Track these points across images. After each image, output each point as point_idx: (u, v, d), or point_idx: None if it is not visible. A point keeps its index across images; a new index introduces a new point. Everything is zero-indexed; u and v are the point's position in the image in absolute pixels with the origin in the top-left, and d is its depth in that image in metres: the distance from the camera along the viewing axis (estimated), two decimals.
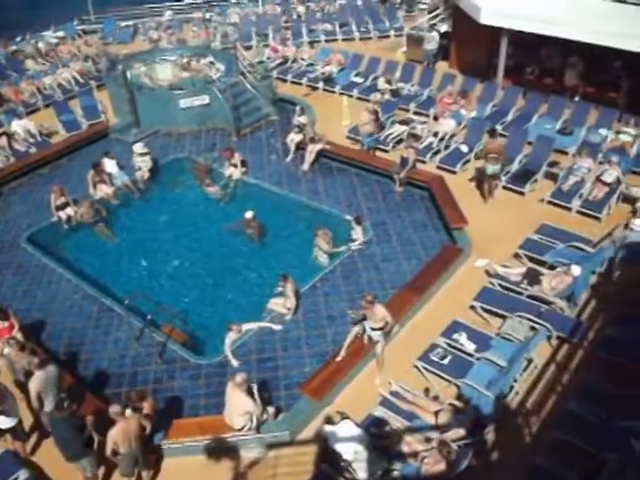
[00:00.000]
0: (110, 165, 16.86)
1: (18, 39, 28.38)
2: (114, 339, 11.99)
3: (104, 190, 16.27)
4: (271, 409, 9.77)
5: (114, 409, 8.64)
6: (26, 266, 14.12)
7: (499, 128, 17.58)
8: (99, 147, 18.76)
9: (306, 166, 17.32)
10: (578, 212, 14.54)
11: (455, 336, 11.00)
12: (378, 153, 17.56)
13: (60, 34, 28.98)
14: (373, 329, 10.66)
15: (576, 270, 11.53)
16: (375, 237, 14.29)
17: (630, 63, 18.16)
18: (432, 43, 22.98)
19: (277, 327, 11.91)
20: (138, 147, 17.31)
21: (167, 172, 17.75)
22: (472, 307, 11.85)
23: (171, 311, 12.26)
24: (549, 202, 14.95)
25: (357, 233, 13.95)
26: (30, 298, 13.15)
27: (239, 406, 9.41)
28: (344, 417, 9.07)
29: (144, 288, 13.18)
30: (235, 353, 11.24)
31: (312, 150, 17.27)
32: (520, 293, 11.95)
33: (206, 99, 19.54)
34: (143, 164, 17.15)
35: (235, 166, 16.99)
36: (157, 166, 17.56)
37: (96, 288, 13.21)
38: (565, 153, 16.71)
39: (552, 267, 12.37)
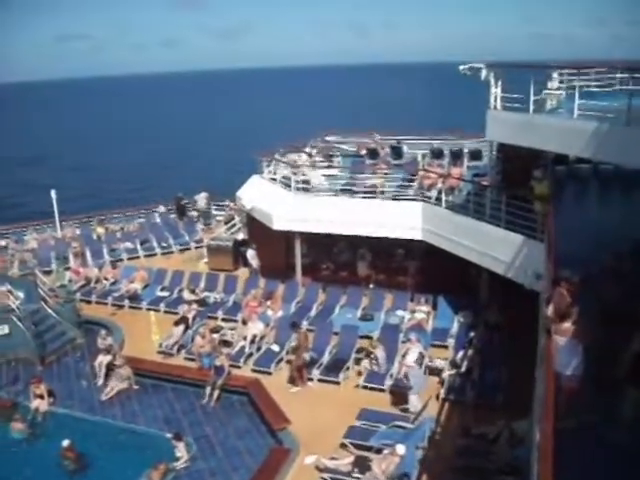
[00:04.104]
0: None
1: None
2: None
3: None
4: None
5: None
6: None
7: (305, 323, 18.38)
8: None
9: (100, 380, 17.02)
10: (392, 392, 15.13)
11: None
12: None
13: None
14: None
15: (401, 449, 11.81)
16: (199, 452, 13.77)
17: (412, 249, 20.16)
18: (254, 260, 23.53)
19: None
20: None
21: None
22: None
23: None
24: (364, 387, 15.47)
25: (180, 451, 13.38)
26: None
27: None
28: None
29: None
30: None
31: (102, 362, 17.15)
32: None
33: (5, 329, 18.57)
34: None
35: (42, 397, 15.94)
36: None
37: None
38: (370, 338, 17.61)
39: (379, 450, 12.54)
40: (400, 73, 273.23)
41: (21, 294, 20.33)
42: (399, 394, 14.87)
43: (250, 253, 23.41)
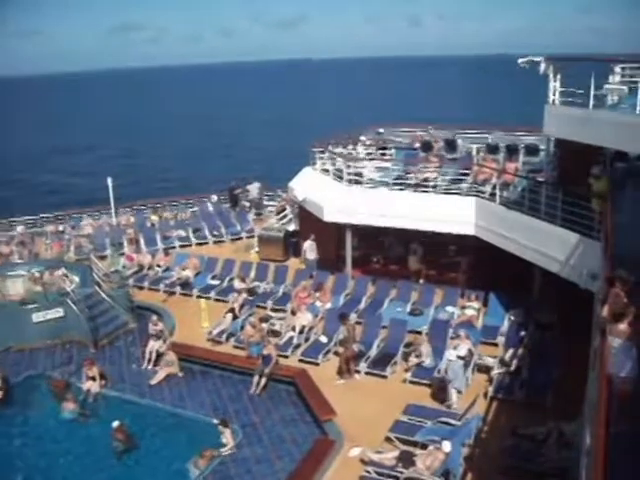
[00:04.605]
0: None
1: None
2: None
3: None
4: None
5: None
6: None
7: (354, 316, 18.31)
8: None
9: (149, 366, 17.34)
10: (438, 388, 14.96)
11: None
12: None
13: None
14: None
15: (447, 446, 11.68)
16: (245, 439, 13.87)
17: (463, 245, 19.90)
18: (312, 253, 23.19)
19: None
20: None
21: (20, 391, 16.64)
22: None
23: None
24: (411, 382, 15.39)
25: (226, 437, 13.53)
26: None
27: None
28: None
29: None
30: None
31: (152, 347, 17.47)
32: (397, 477, 11.80)
33: (60, 312, 19.05)
34: None
35: (93, 379, 16.34)
36: (8, 386, 16.42)
37: None
38: (419, 333, 17.50)
39: (424, 446, 12.44)
40: (452, 66, 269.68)
41: (76, 278, 20.87)
42: (445, 390, 14.74)
43: (307, 244, 23.17)
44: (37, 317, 18.89)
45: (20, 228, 29.96)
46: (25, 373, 17.62)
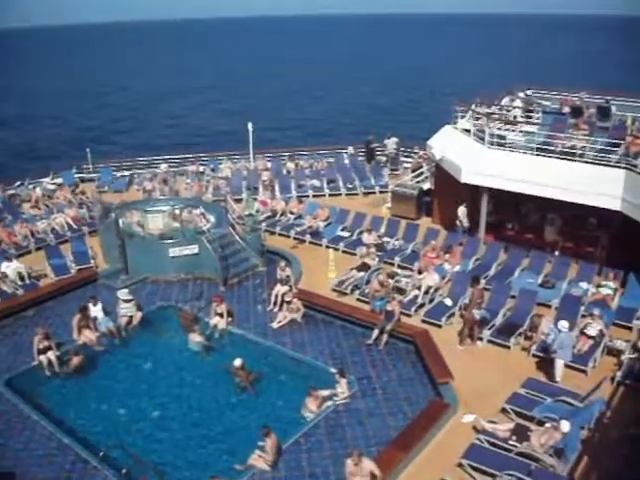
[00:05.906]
0: (96, 310, 16.93)
1: (17, 184, 29.18)
2: None
3: (87, 335, 16.20)
4: None
5: None
6: (1, 411, 13.62)
7: (482, 281, 17.87)
8: (87, 292, 18.81)
9: (275, 308, 17.78)
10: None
11: None
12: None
13: (58, 181, 29.91)
14: None
15: (565, 426, 11.33)
16: (360, 391, 14.06)
17: (606, 220, 18.82)
18: (465, 218, 22.29)
19: None
20: (122, 294, 17.42)
21: (152, 319, 17.68)
22: (460, 465, 11.45)
23: (148, 464, 11.74)
24: (534, 355, 14.95)
25: (342, 387, 13.78)
26: (1, 446, 12.62)
27: None
28: None
29: (123, 438, 12.75)
30: None
31: (278, 292, 17.84)
32: (509, 450, 11.61)
33: (195, 249, 19.92)
34: (127, 310, 17.16)
35: (221, 315, 17.05)
36: (142, 313, 17.46)
37: (72, 437, 12.73)
38: (548, 306, 16.89)
39: (541, 422, 12.13)
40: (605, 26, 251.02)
41: (212, 218, 21.67)
42: (572, 369, 14.18)
43: (462, 210, 22.29)
44: (173, 252, 19.84)
45: (163, 166, 31.40)
46: (158, 303, 18.66)
